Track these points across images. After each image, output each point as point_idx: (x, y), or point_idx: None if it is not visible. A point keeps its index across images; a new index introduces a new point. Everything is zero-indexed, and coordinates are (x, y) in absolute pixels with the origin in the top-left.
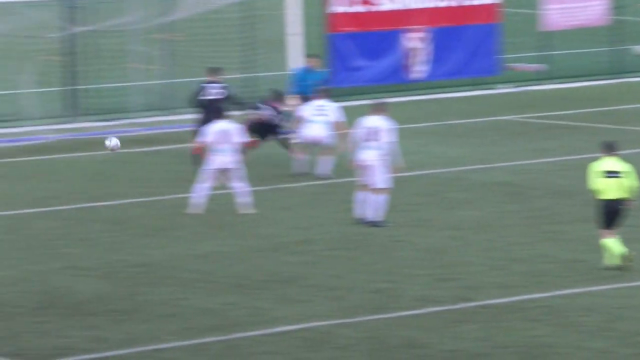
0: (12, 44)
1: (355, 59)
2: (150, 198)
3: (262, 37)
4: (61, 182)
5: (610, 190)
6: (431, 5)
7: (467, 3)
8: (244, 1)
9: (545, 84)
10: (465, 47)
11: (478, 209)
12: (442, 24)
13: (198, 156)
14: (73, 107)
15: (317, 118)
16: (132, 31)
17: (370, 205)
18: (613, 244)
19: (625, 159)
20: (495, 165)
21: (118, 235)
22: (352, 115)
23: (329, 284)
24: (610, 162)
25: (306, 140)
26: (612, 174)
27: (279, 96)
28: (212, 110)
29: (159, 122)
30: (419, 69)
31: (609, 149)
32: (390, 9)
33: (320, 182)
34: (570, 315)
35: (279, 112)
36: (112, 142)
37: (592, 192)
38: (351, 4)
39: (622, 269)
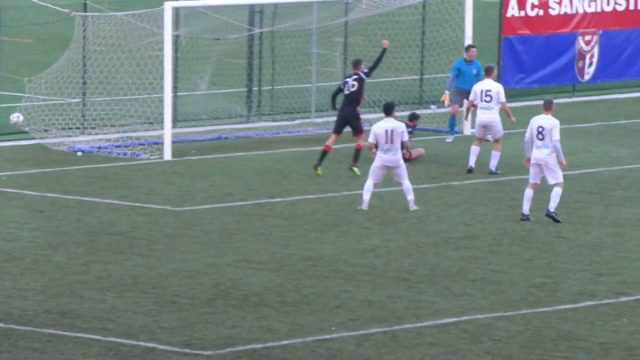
0: (197, 45)
1: (528, 61)
2: (322, 195)
3: (438, 39)
4: (238, 179)
5: None
6: (601, 9)
7: (634, 7)
8: (422, 3)
9: None
10: (633, 50)
11: (639, 207)
12: (611, 27)
13: (327, 153)
14: (252, 108)
15: (484, 104)
16: (311, 34)
17: (552, 198)
18: None
19: None
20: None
21: (290, 230)
22: (524, 115)
23: (489, 278)
24: None
25: (479, 126)
26: None
27: (414, 117)
28: (348, 103)
29: (333, 121)
30: (589, 71)
31: None
32: (562, 13)
33: (486, 179)
34: None
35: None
36: (16, 117)
37: None
38: (525, 8)
39: None
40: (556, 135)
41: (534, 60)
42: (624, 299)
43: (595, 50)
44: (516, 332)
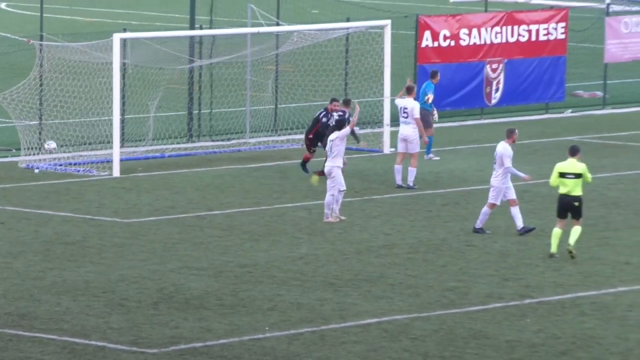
0: (144, 73)
1: (441, 87)
2: (256, 208)
3: (360, 67)
4: (180, 194)
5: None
6: (507, 40)
7: (537, 39)
8: (345, 36)
9: (603, 109)
10: (535, 77)
11: (540, 218)
12: (515, 56)
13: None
14: (192, 129)
15: (402, 119)
16: (246, 62)
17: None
18: (555, 235)
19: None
20: None
21: (227, 239)
22: (437, 136)
23: (407, 282)
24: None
25: (399, 140)
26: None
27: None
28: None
29: (266, 141)
30: (496, 96)
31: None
32: (471, 44)
33: (404, 193)
34: (615, 311)
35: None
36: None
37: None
38: (438, 39)
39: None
40: (507, 163)
41: (446, 86)
42: (528, 301)
43: (501, 77)
44: (431, 331)
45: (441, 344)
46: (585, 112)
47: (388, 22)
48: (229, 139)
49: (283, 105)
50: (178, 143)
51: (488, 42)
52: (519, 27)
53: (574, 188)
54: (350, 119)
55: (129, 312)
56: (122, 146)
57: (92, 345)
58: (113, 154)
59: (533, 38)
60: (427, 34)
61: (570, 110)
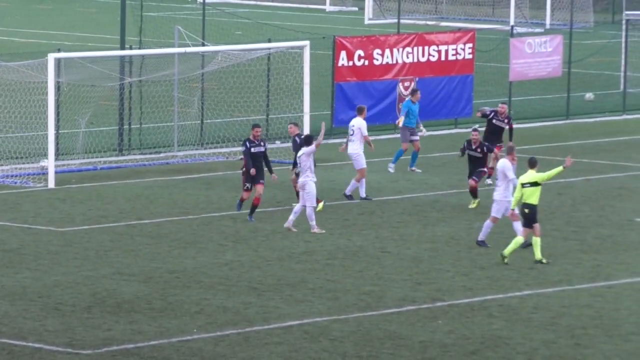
0: (77, 91)
1: (356, 104)
2: (184, 217)
3: (281, 85)
4: (112, 204)
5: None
6: (418, 60)
7: (446, 58)
8: (267, 55)
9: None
10: (445, 94)
11: (450, 226)
12: (426, 75)
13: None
14: (123, 143)
15: (350, 137)
16: (174, 81)
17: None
18: (515, 241)
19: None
20: (465, 190)
21: (157, 247)
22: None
23: (326, 287)
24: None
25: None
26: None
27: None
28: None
29: (193, 154)
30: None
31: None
32: (384, 63)
33: (327, 203)
34: (522, 312)
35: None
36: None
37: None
38: (353, 59)
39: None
40: (510, 175)
41: (361, 103)
42: (439, 304)
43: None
44: (349, 333)
45: (358, 344)
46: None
47: (307, 42)
48: (157, 152)
49: (208, 121)
50: (109, 156)
51: (400, 61)
52: (429, 47)
53: (529, 196)
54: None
55: (64, 316)
56: (56, 159)
57: (30, 347)
58: (48, 166)
59: (442, 58)
60: (343, 54)
61: (477, 126)
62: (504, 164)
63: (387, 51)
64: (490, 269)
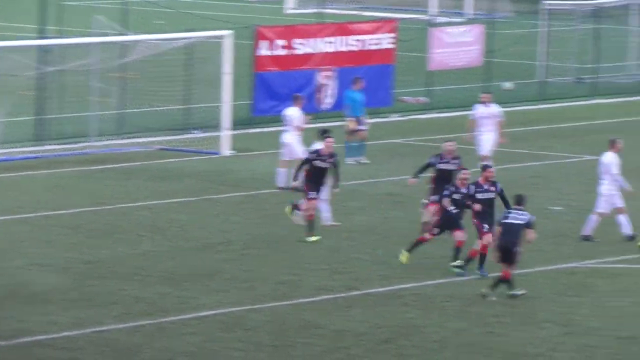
0: None
1: (277, 93)
2: (100, 207)
3: (201, 74)
4: (28, 194)
5: None
6: (338, 49)
7: (367, 48)
8: (187, 45)
9: (428, 113)
10: (365, 84)
11: (368, 215)
12: (346, 64)
13: None
14: (41, 133)
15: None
16: (93, 70)
17: None
18: None
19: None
20: (383, 179)
21: (73, 237)
22: (272, 139)
23: (242, 276)
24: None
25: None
26: None
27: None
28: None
29: (111, 144)
30: (328, 101)
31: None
32: (305, 53)
33: (240, 193)
34: (436, 301)
35: None
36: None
37: None
38: (273, 48)
39: None
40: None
41: (282, 92)
42: (355, 292)
43: (333, 84)
44: (264, 322)
45: (273, 334)
46: (411, 116)
47: (228, 32)
48: (75, 142)
49: (128, 111)
50: (26, 146)
51: (320, 51)
52: (350, 37)
53: None
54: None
55: None
56: None
57: None
58: None
59: (363, 47)
60: (264, 44)
61: (397, 115)
62: (610, 159)
63: (308, 41)
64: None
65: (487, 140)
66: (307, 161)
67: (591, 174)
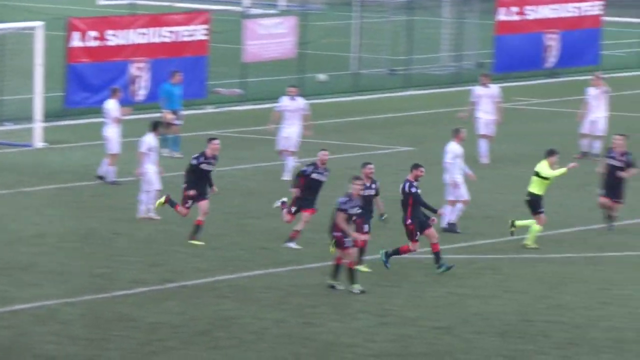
0: None
1: (90, 84)
2: None
3: (15, 66)
4: None
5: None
6: (151, 41)
7: (180, 39)
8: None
9: (243, 105)
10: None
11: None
12: (159, 56)
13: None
14: None
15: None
16: None
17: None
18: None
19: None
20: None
21: None
22: (89, 131)
23: (57, 270)
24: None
25: None
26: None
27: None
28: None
29: None
30: (141, 93)
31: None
32: (118, 44)
33: (54, 185)
34: (253, 292)
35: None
36: None
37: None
38: (85, 40)
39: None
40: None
41: (94, 84)
42: (170, 285)
43: (146, 76)
44: (79, 315)
45: (88, 327)
46: (225, 108)
47: (40, 23)
48: None
49: None
50: None
51: (133, 42)
52: (163, 28)
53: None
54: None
55: None
56: None
57: None
58: None
59: (176, 39)
60: (76, 35)
61: (211, 107)
62: (454, 148)
63: (121, 32)
64: (223, 249)
65: (291, 133)
66: (193, 166)
67: (404, 165)
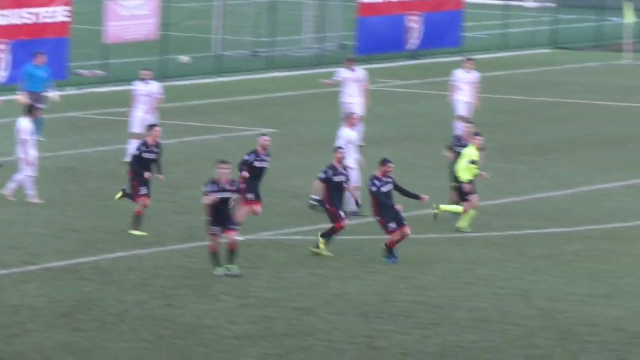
0: None
1: None
2: None
3: None
4: None
5: None
6: (12, 22)
7: (41, 21)
8: None
9: (105, 86)
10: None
11: (44, 189)
12: (21, 37)
13: None
14: None
15: None
16: None
17: None
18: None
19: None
20: (62, 153)
21: None
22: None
23: None
24: None
25: None
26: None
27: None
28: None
29: None
30: (2, 74)
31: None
32: None
33: None
34: (114, 274)
35: None
36: None
37: None
38: None
39: None
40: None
41: None
42: (31, 267)
43: (7, 57)
44: None
45: None
46: (87, 89)
47: None
48: None
49: None
50: None
51: None
52: (23, 9)
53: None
54: None
55: None
56: None
57: None
58: None
59: (37, 20)
60: None
61: (73, 88)
62: (347, 133)
63: None
64: (84, 231)
65: (141, 119)
66: (136, 156)
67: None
